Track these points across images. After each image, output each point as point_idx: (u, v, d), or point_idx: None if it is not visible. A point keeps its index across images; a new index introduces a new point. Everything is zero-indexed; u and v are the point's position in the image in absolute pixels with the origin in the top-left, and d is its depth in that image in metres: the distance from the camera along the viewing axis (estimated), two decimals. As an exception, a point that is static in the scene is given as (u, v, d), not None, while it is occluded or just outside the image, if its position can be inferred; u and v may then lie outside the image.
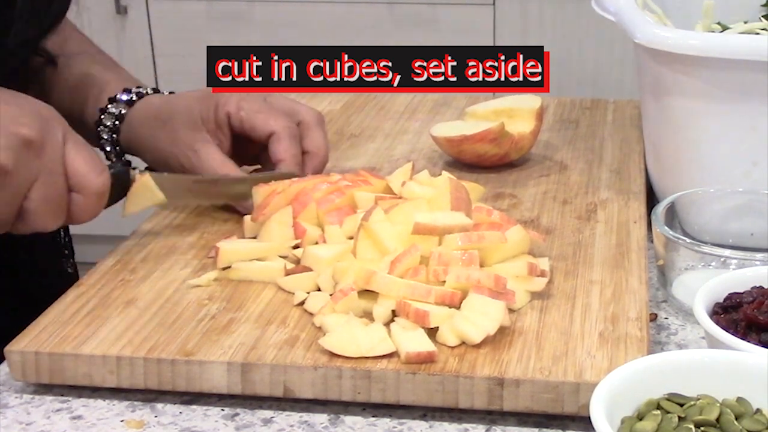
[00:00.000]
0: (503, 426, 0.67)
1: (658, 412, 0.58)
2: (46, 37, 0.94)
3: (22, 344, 0.71)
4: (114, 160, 0.97)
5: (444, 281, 0.74)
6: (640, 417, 0.58)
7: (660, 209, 0.82)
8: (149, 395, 0.71)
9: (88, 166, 0.78)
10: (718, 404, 0.58)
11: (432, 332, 0.70)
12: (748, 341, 0.65)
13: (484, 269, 0.75)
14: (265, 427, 0.68)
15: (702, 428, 0.57)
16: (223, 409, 0.69)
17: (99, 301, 0.77)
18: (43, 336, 0.72)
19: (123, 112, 0.96)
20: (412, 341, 0.69)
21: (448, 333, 0.70)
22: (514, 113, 1.01)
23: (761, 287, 0.71)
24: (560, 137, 1.09)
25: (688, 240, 0.79)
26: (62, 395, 0.71)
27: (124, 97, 0.96)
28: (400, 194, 0.85)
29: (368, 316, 0.73)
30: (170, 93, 0.98)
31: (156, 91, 0.98)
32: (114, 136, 0.96)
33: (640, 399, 0.59)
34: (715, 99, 0.83)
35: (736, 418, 0.57)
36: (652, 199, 0.92)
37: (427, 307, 0.71)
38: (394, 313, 0.73)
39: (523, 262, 0.76)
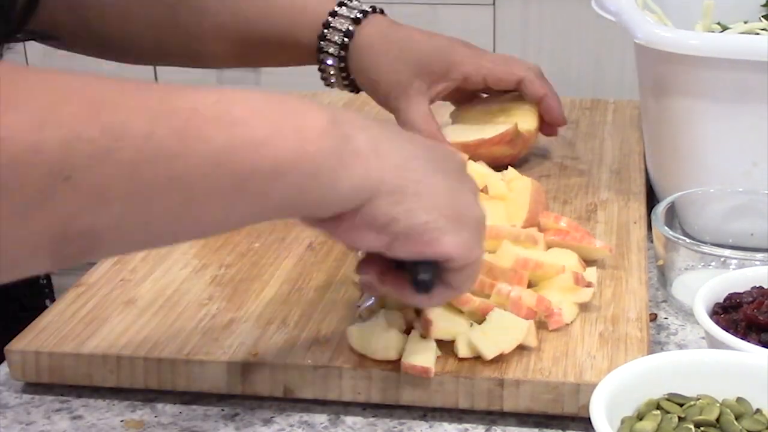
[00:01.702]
0: (503, 426, 0.67)
1: (658, 412, 0.58)
2: None
3: (22, 344, 0.71)
4: (332, 78, 0.98)
5: (487, 294, 0.71)
6: (640, 417, 0.58)
7: (660, 209, 0.82)
8: (149, 395, 0.71)
9: None
10: (718, 404, 0.58)
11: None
12: (748, 341, 0.65)
13: (531, 289, 0.73)
14: (265, 427, 0.68)
15: (702, 428, 0.57)
16: (223, 409, 0.69)
17: (99, 301, 0.77)
18: (43, 336, 0.72)
19: (350, 28, 0.94)
20: (417, 353, 0.67)
21: (462, 345, 0.68)
22: (511, 112, 1.00)
23: (761, 287, 0.71)
24: (560, 137, 1.09)
25: (688, 240, 0.79)
26: (62, 395, 0.71)
27: (347, 13, 0.95)
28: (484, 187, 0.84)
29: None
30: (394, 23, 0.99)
31: (374, 9, 0.98)
32: (342, 53, 0.95)
33: (640, 399, 0.59)
34: (715, 99, 0.83)
35: (736, 418, 0.57)
36: (652, 199, 0.92)
37: (438, 316, 0.69)
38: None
39: (569, 273, 0.74)
